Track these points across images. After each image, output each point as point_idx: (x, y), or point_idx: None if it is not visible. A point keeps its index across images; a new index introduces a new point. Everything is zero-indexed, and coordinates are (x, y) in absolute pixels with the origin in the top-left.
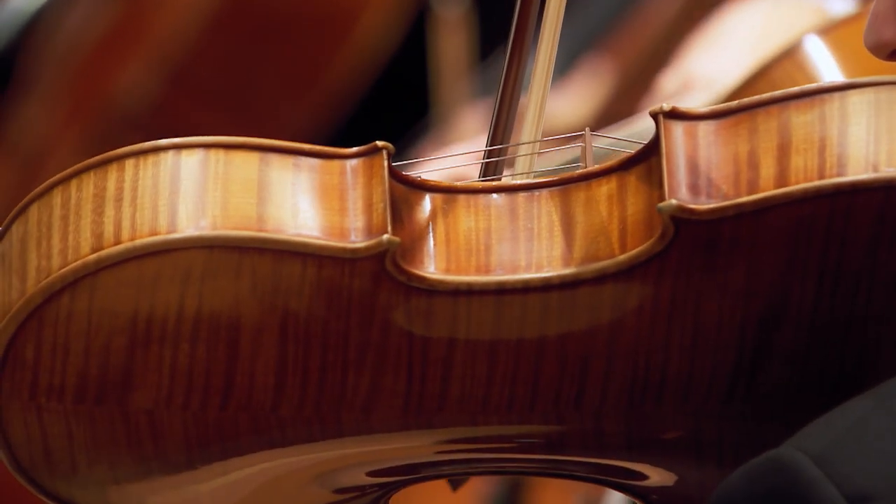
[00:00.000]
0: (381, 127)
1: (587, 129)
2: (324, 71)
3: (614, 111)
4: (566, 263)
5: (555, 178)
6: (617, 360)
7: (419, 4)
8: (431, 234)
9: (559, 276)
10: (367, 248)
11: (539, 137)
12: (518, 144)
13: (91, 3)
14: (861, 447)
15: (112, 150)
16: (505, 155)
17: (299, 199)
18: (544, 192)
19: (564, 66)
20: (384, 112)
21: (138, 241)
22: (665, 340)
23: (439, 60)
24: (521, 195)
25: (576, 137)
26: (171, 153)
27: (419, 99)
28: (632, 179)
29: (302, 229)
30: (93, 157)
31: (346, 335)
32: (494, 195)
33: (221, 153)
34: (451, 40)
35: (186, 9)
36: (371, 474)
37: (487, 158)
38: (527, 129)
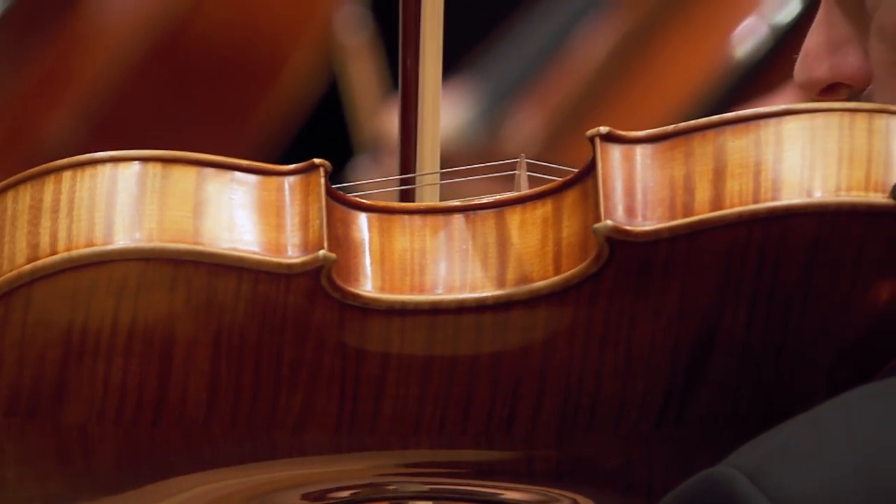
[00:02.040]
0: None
1: (522, 155)
2: (252, 113)
3: (544, 155)
4: (500, 284)
5: (491, 201)
6: (549, 383)
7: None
8: (367, 253)
9: (493, 297)
10: (302, 264)
11: (437, 164)
12: (447, 171)
13: (19, 49)
14: (792, 463)
15: None
16: (438, 181)
17: (236, 213)
18: (480, 213)
19: (494, 108)
20: (316, 150)
21: (74, 252)
22: (597, 363)
23: (352, 90)
24: (457, 216)
25: (510, 164)
26: (108, 166)
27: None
28: (567, 202)
29: (238, 244)
30: None
31: (279, 352)
32: (430, 216)
33: (159, 166)
34: (360, 69)
35: (112, 53)
36: (306, 497)
37: (418, 184)
38: (426, 158)
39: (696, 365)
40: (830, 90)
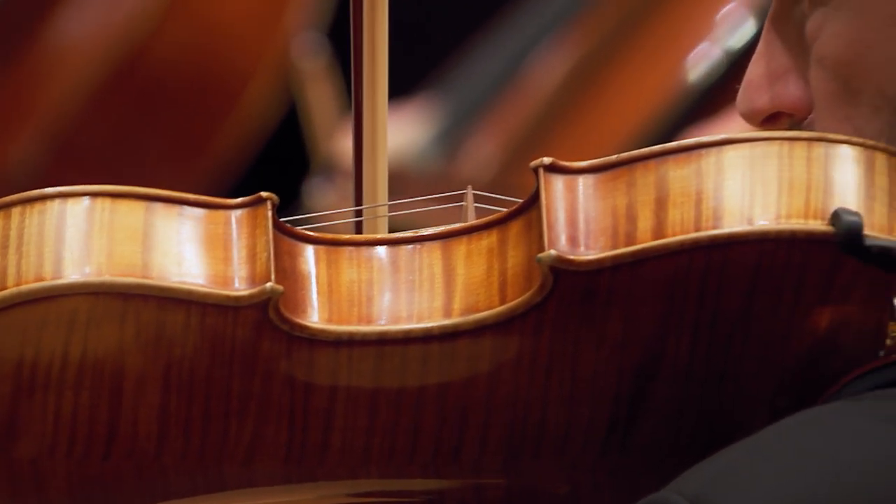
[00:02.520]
0: (272, 188)
1: (469, 187)
2: (212, 137)
3: (500, 179)
4: (447, 315)
5: (437, 232)
6: (496, 412)
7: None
8: (314, 285)
9: (439, 327)
10: (250, 297)
11: (386, 194)
12: (395, 203)
13: None
14: (733, 488)
15: None
16: (387, 213)
17: (184, 247)
18: (426, 245)
19: (452, 130)
20: (275, 172)
21: (24, 287)
22: (543, 392)
23: (309, 114)
24: (404, 248)
25: (457, 196)
26: (57, 201)
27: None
28: (512, 233)
29: (186, 277)
30: None
31: (228, 384)
32: (377, 248)
33: (107, 201)
34: (317, 92)
35: (74, 80)
36: None
37: (367, 216)
38: (376, 187)
39: (640, 393)
40: (772, 119)
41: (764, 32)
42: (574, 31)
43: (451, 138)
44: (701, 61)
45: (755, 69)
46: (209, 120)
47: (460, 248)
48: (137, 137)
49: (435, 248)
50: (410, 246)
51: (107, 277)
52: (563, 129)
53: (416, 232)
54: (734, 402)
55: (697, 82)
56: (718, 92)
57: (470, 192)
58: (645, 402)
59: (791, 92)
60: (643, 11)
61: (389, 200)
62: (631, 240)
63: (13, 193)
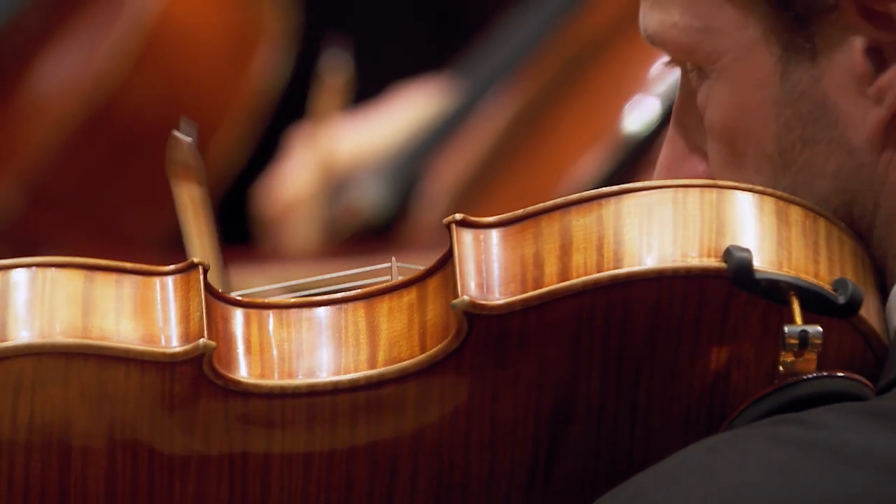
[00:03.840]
0: (237, 231)
1: (393, 258)
2: None
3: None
4: (371, 366)
5: (361, 292)
6: (423, 460)
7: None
8: (247, 345)
9: (365, 377)
10: (184, 353)
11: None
12: (324, 278)
13: None
14: None
15: None
16: (318, 286)
17: (122, 311)
18: (351, 304)
19: (402, 173)
20: (240, 217)
21: None
22: (465, 438)
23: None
24: (331, 308)
25: (384, 270)
26: (0, 273)
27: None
28: (430, 288)
29: (123, 337)
30: None
31: (171, 442)
32: (305, 309)
33: (49, 271)
34: (330, 104)
35: (50, 127)
36: None
37: (298, 290)
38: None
39: (557, 435)
40: None
41: (672, 117)
42: (519, 79)
43: (402, 180)
44: (639, 111)
45: (666, 151)
46: None
47: (383, 305)
48: (110, 182)
49: (359, 307)
50: (336, 306)
51: (48, 339)
52: (505, 176)
53: (342, 293)
54: (647, 437)
55: (635, 132)
56: (656, 142)
57: (394, 264)
58: (563, 443)
59: (697, 169)
60: (583, 62)
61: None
62: (538, 284)
63: None
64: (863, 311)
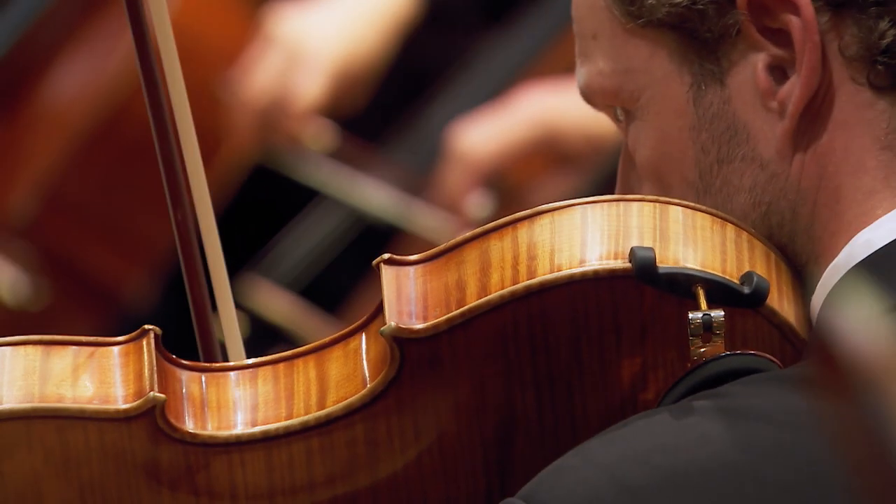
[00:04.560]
0: (242, 237)
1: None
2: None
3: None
4: (321, 407)
5: (311, 346)
6: (381, 497)
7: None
8: (202, 401)
9: (314, 418)
10: (136, 407)
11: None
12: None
13: None
14: (557, 483)
15: None
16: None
17: (78, 379)
18: (301, 358)
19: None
20: (246, 224)
21: None
22: (417, 469)
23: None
24: (282, 364)
25: None
26: None
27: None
28: (371, 331)
29: (79, 400)
30: None
31: (139, 498)
32: (259, 367)
33: (8, 349)
34: None
35: (62, 135)
36: None
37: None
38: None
39: (505, 455)
40: None
41: (619, 166)
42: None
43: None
44: None
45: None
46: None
47: (331, 354)
48: (119, 188)
49: (309, 360)
50: (287, 361)
51: (6, 405)
52: None
53: (293, 350)
54: None
55: None
56: None
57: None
58: (511, 463)
59: None
60: None
61: None
62: (461, 304)
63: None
64: (775, 305)
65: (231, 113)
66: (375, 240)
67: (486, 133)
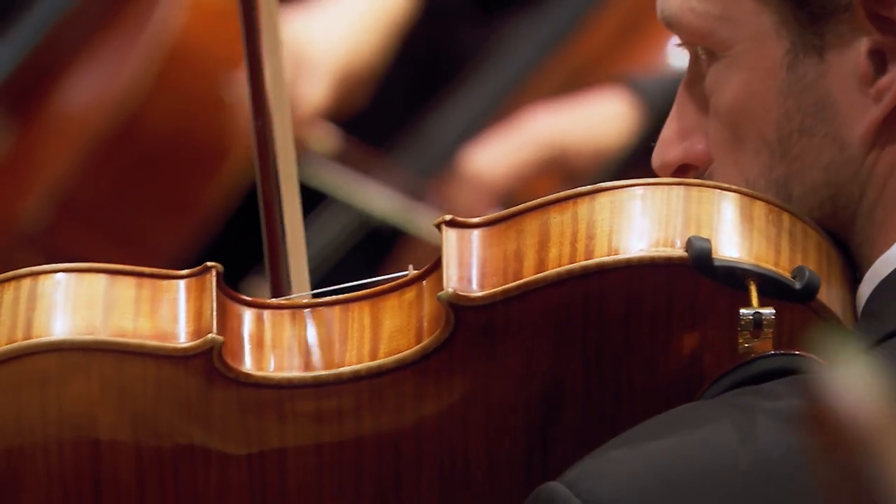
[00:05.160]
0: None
1: (410, 266)
2: (198, 197)
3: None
4: (373, 358)
5: (367, 292)
6: (425, 444)
7: None
8: (258, 341)
9: (366, 368)
10: (195, 347)
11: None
12: (351, 284)
13: None
14: (604, 470)
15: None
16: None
17: (139, 311)
18: (357, 303)
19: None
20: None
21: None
22: (463, 424)
23: None
24: (338, 307)
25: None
26: (28, 279)
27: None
28: (427, 286)
29: (139, 334)
30: None
31: (190, 436)
32: (315, 309)
33: (73, 276)
34: None
35: (76, 142)
36: None
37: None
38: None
39: (549, 421)
40: (680, 172)
41: (677, 95)
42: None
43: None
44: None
45: (668, 128)
46: (197, 179)
47: (387, 303)
48: (132, 195)
49: (365, 306)
50: (343, 305)
51: (67, 336)
52: None
53: (351, 294)
54: (632, 418)
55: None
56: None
57: (412, 272)
58: (555, 428)
59: (696, 147)
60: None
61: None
62: (518, 276)
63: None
64: (824, 298)
65: (236, 115)
66: (379, 243)
67: (496, 155)
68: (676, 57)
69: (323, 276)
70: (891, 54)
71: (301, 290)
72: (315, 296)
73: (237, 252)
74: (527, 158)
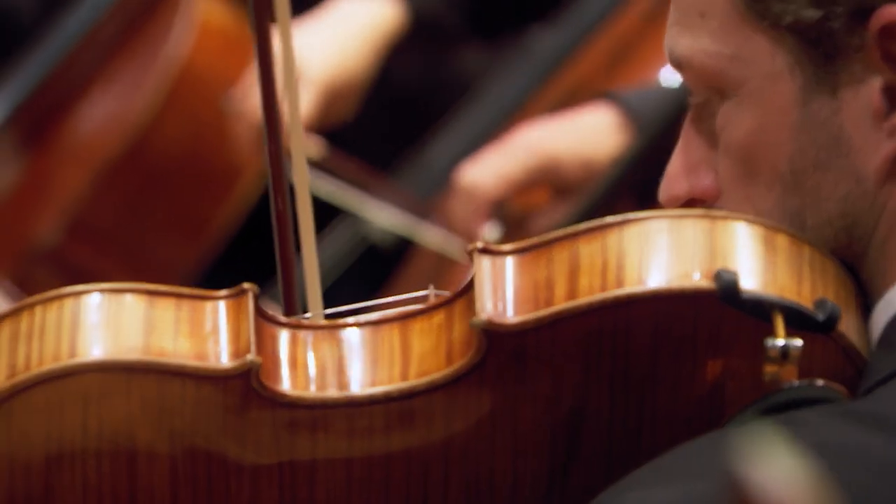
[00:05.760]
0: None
1: (431, 286)
2: (209, 219)
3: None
4: (403, 379)
5: (396, 314)
6: (452, 466)
7: None
8: (292, 362)
9: (397, 390)
10: (234, 368)
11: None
12: (367, 305)
13: (15, 159)
14: (632, 497)
15: (28, 287)
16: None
17: (179, 332)
18: (387, 325)
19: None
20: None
21: (44, 367)
22: (489, 446)
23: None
24: (368, 329)
25: (421, 297)
26: (71, 298)
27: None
28: (457, 310)
29: (180, 354)
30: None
31: (224, 450)
32: (346, 329)
33: (114, 296)
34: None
35: (87, 166)
36: None
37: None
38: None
39: (573, 443)
40: (687, 206)
41: (683, 130)
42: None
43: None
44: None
45: (675, 162)
46: (207, 202)
47: (415, 326)
48: (143, 217)
49: (394, 328)
50: (374, 326)
51: (111, 357)
52: None
53: (380, 315)
54: (655, 445)
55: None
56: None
57: (432, 291)
58: (577, 451)
59: (703, 182)
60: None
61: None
62: (549, 304)
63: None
64: (842, 328)
65: (237, 127)
66: (379, 259)
67: (488, 168)
68: (668, 80)
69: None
70: None
71: (315, 309)
72: (328, 315)
73: (244, 271)
74: (518, 169)
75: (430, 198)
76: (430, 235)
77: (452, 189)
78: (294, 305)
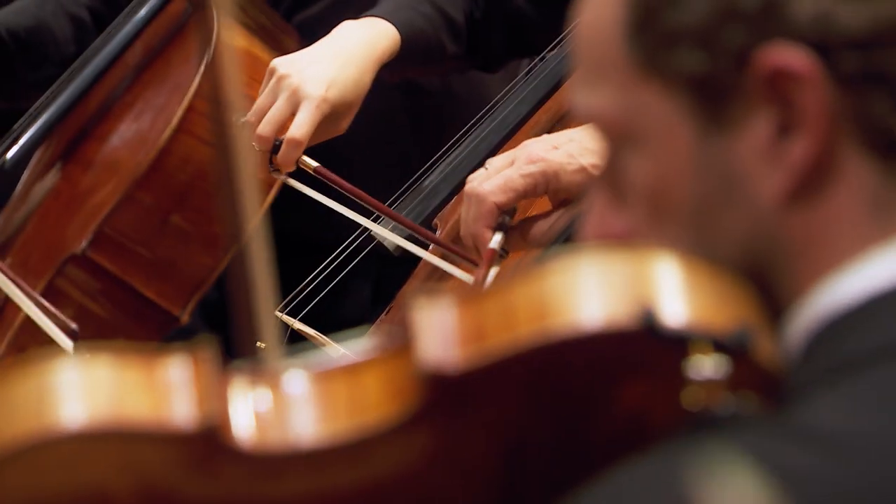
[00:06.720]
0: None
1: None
2: (217, 233)
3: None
4: (351, 429)
5: (341, 365)
6: (404, 491)
7: None
8: (253, 414)
9: (344, 439)
10: (194, 429)
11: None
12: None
13: (39, 184)
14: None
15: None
16: None
17: (143, 394)
18: (333, 372)
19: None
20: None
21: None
22: (439, 481)
23: None
24: (315, 378)
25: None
26: (36, 369)
27: None
28: (398, 359)
29: (143, 417)
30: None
31: (196, 495)
32: (294, 381)
33: (81, 364)
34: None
35: (118, 179)
36: None
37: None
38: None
39: (517, 468)
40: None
41: (594, 178)
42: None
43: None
44: None
45: (587, 207)
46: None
47: (362, 372)
48: (163, 228)
49: (339, 374)
50: (322, 373)
51: (81, 425)
52: None
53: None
54: (599, 471)
55: None
56: None
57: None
58: (523, 476)
59: (615, 226)
60: None
61: None
62: (483, 349)
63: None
64: (762, 352)
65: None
66: (378, 271)
67: (492, 178)
68: None
69: (320, 303)
70: (796, 126)
71: (268, 339)
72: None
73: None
74: (519, 176)
75: (427, 221)
76: (429, 251)
77: (458, 198)
78: (249, 335)
